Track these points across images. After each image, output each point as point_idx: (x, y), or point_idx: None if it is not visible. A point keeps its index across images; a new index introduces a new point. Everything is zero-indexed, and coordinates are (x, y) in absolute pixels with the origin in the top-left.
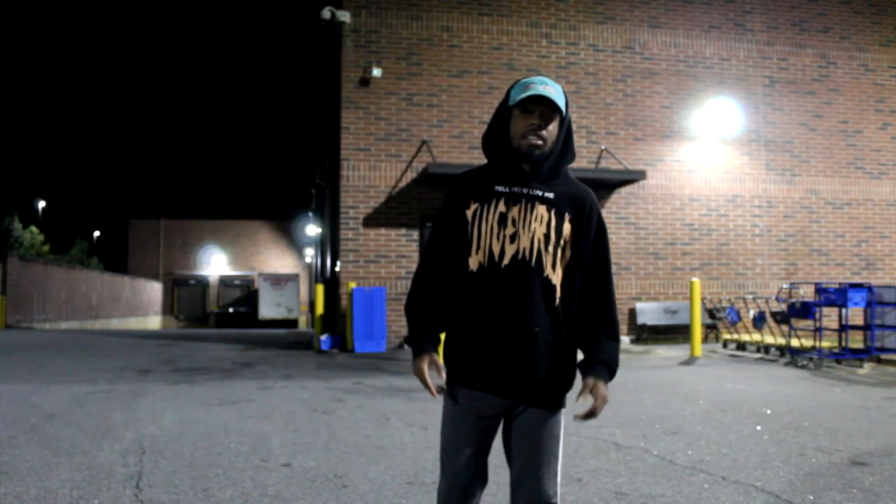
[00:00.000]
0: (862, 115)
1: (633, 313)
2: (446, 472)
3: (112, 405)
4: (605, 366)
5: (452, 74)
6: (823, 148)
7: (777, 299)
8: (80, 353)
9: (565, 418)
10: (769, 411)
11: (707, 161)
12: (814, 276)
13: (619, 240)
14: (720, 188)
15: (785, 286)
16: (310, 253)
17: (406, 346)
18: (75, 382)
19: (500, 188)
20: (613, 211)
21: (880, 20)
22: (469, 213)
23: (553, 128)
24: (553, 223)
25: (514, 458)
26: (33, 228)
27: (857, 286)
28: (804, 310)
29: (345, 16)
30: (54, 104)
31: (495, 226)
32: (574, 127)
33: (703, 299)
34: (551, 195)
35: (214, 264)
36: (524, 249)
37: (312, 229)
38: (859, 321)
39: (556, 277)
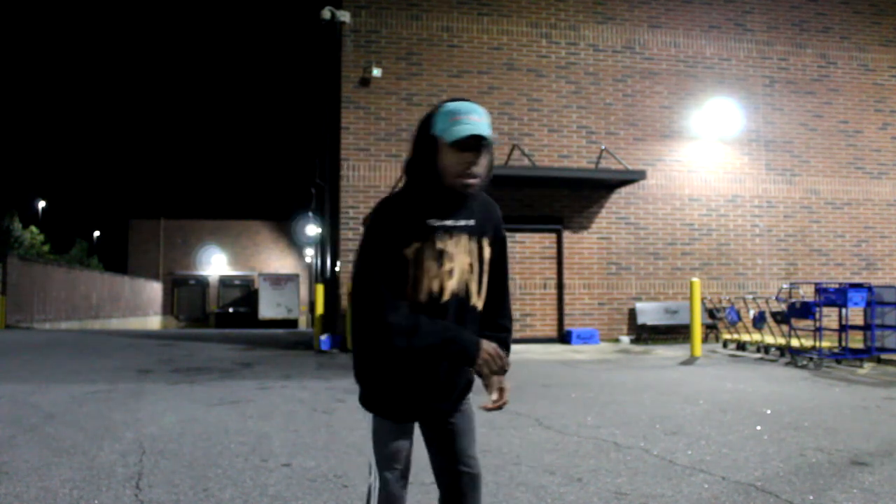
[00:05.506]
0: (862, 115)
1: (633, 313)
2: (385, 482)
3: (112, 405)
4: None
5: (452, 74)
6: (823, 148)
7: (777, 299)
8: (80, 353)
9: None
10: (769, 411)
11: (707, 161)
12: (814, 276)
13: (619, 240)
14: (720, 188)
15: (785, 286)
16: (310, 253)
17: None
18: (75, 382)
19: (433, 222)
20: (613, 211)
21: (880, 20)
22: (409, 252)
23: (485, 161)
24: (475, 251)
25: (441, 448)
26: (33, 228)
27: (857, 286)
28: (804, 310)
29: (345, 16)
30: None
31: (433, 263)
32: (574, 127)
33: (703, 299)
34: (472, 222)
35: (214, 264)
36: (457, 283)
37: (312, 229)
38: (859, 321)
39: (480, 302)
